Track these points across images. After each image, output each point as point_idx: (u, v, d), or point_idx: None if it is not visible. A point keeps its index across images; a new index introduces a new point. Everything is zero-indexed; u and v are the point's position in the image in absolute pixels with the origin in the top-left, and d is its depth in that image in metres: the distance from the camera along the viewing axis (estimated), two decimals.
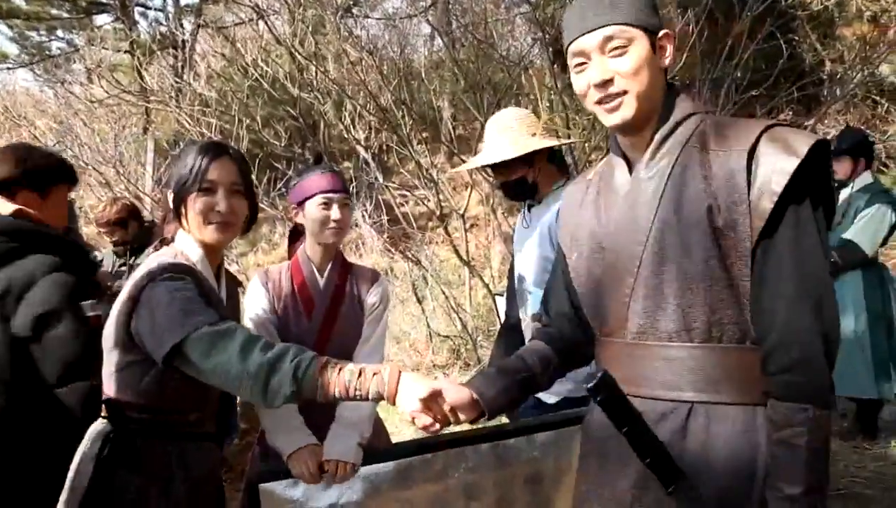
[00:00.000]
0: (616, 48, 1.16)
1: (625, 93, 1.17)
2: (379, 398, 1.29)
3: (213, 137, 6.07)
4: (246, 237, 8.66)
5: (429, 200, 5.47)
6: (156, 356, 1.31)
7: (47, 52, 10.80)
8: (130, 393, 1.43)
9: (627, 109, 1.18)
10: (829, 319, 1.08)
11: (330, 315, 1.84)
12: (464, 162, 5.59)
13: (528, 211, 2.31)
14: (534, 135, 2.20)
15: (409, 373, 1.32)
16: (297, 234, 1.99)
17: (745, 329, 1.13)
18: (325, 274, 1.88)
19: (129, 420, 1.43)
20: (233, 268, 6.92)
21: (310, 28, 5.78)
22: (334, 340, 1.83)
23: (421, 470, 1.57)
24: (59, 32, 10.81)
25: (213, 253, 1.54)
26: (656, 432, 1.17)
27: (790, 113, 6.23)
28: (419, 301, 5.36)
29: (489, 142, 2.29)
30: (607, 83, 1.17)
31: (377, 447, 1.71)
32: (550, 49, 6.05)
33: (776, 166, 1.06)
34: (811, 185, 1.09)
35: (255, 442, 1.88)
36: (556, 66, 6.38)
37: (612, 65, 1.17)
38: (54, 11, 10.18)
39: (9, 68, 10.58)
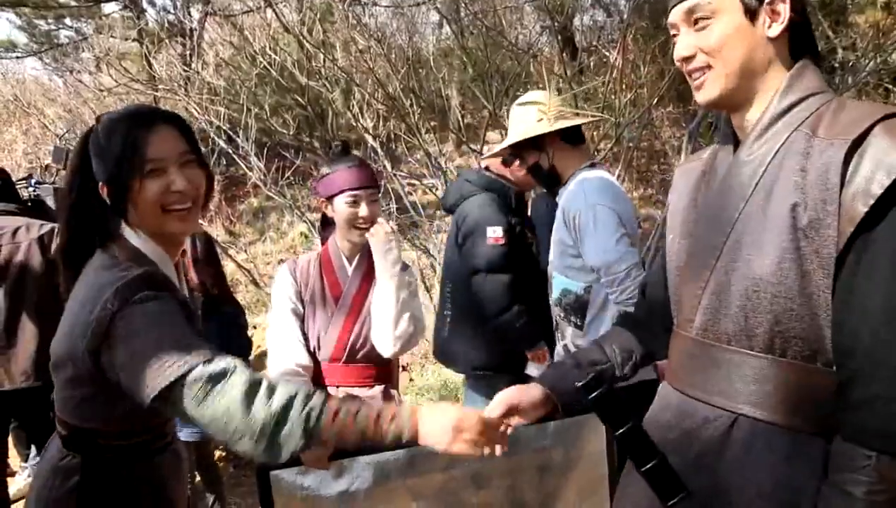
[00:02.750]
0: (700, 19, 1.06)
1: (707, 69, 1.07)
2: (399, 440, 1.17)
3: (222, 126, 6.08)
4: (254, 226, 8.68)
5: (437, 189, 5.45)
6: (138, 397, 1.11)
7: (56, 41, 10.80)
8: (102, 421, 1.26)
9: (711, 88, 1.07)
10: None
11: (357, 301, 1.87)
12: (472, 150, 5.59)
13: (559, 195, 2.31)
14: (540, 120, 2.19)
15: (429, 407, 1.20)
16: (327, 223, 2.01)
17: (816, 347, 0.99)
18: (355, 262, 1.91)
19: (103, 448, 1.26)
20: (240, 258, 6.93)
21: (318, 16, 5.76)
22: (360, 325, 1.87)
23: (430, 459, 1.58)
24: (68, 21, 10.78)
25: (175, 245, 1.35)
26: (696, 438, 1.09)
27: None
28: (427, 289, 5.36)
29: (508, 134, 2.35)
30: (688, 59, 1.08)
31: None
32: (559, 37, 6.00)
33: (883, 163, 0.90)
34: None
35: None
36: (564, 53, 6.33)
37: (695, 39, 1.07)
38: (62, 0, 10.18)
39: (18, 57, 10.60)
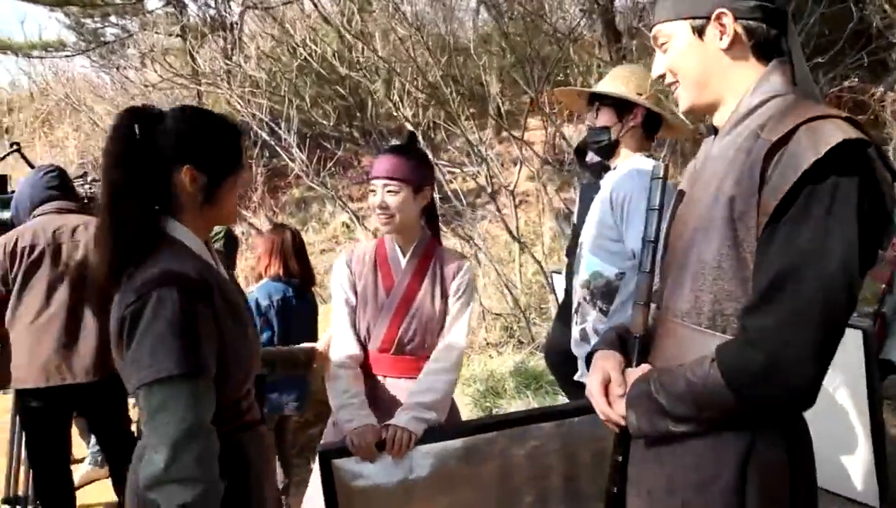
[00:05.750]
0: (663, 44, 1.22)
1: (676, 84, 1.22)
2: None
3: (264, 118, 6.15)
4: (297, 216, 8.80)
5: (479, 175, 5.43)
6: (128, 379, 1.20)
7: (102, 39, 11.08)
8: None
9: (683, 100, 1.22)
10: (792, 358, 0.97)
11: (408, 295, 1.88)
12: (513, 137, 5.55)
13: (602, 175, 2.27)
14: (639, 95, 2.14)
15: None
16: None
17: None
18: (409, 253, 1.91)
19: None
20: None
21: (357, 6, 5.77)
22: (409, 319, 1.87)
23: (487, 448, 1.59)
24: (113, 19, 11.05)
25: (207, 232, 1.41)
26: None
27: (855, 80, 5.93)
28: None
29: (602, 82, 2.28)
30: (662, 76, 1.25)
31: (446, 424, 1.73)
32: (601, 19, 5.90)
33: (793, 162, 1.00)
34: (836, 190, 0.99)
35: (330, 418, 1.95)
36: (606, 37, 6.22)
37: (663, 59, 1.23)
38: None
39: (67, 56, 10.90)
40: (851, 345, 1.88)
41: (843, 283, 0.98)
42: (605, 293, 2.14)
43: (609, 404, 1.21)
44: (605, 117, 2.16)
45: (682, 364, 1.10)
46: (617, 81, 2.19)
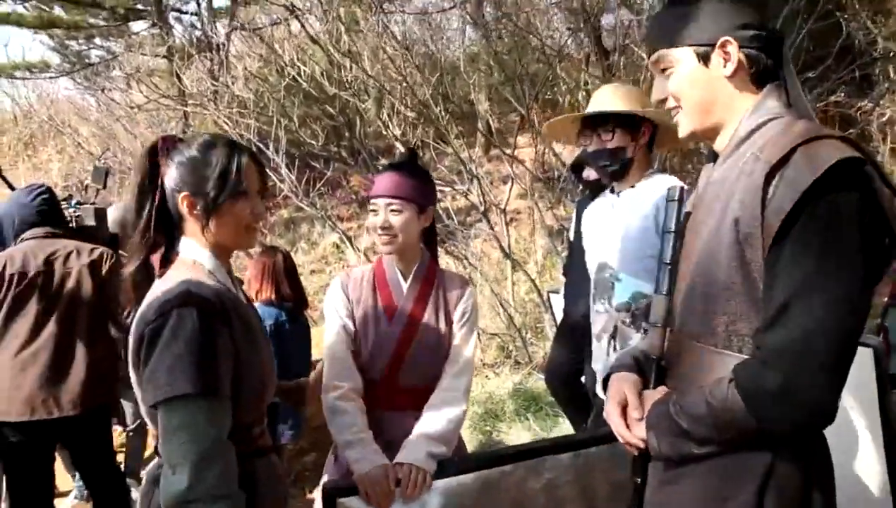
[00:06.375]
0: (665, 69, 1.23)
1: (678, 109, 1.23)
2: None
3: (252, 138, 6.10)
4: (285, 237, 8.72)
5: (470, 193, 5.38)
6: (143, 398, 1.21)
7: (87, 61, 11.02)
8: None
9: (684, 126, 1.24)
10: (802, 371, 0.99)
11: (412, 320, 1.77)
12: (504, 153, 5.52)
13: (616, 195, 2.19)
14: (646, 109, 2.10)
15: None
16: None
17: None
18: (410, 278, 1.81)
19: None
20: None
21: (344, 25, 5.75)
22: (415, 346, 1.77)
23: (500, 482, 1.52)
24: (98, 40, 11.03)
25: (229, 255, 1.44)
26: None
27: (842, 95, 5.99)
28: None
29: (598, 102, 2.21)
30: (663, 101, 1.26)
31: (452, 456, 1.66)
32: (590, 37, 5.92)
33: (793, 183, 1.02)
34: (836, 207, 1.00)
35: (331, 451, 1.85)
36: (594, 55, 6.25)
37: (665, 84, 1.24)
38: (92, 20, 10.37)
39: (51, 77, 10.82)
40: (862, 363, 1.85)
41: (851, 300, 0.99)
42: (647, 314, 2.06)
43: (627, 427, 1.21)
44: (620, 138, 2.10)
45: (702, 385, 1.10)
46: (628, 99, 2.14)
